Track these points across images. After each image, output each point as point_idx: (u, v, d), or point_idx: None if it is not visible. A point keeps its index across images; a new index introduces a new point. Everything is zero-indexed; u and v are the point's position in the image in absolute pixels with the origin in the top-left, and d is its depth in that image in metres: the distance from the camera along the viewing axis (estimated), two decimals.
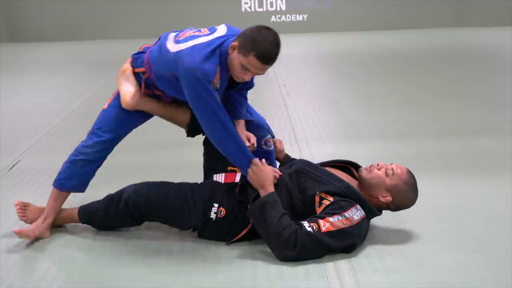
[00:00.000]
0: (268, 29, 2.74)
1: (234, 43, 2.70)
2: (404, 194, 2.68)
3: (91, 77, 7.45)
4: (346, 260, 2.52)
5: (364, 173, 2.71)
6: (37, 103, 6.05)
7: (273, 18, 11.48)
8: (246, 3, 11.41)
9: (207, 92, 2.65)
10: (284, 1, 11.42)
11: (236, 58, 2.67)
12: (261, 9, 11.45)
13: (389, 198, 2.66)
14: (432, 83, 6.38)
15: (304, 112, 5.25)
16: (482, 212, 3.02)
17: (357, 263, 2.50)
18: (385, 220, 2.85)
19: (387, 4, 11.38)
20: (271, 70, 7.20)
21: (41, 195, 3.37)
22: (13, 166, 3.94)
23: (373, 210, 2.65)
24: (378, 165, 2.71)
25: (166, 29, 11.20)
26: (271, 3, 11.43)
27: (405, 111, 5.22)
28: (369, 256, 2.56)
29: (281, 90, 6.15)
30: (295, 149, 4.09)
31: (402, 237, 2.75)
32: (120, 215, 2.80)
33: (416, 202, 2.74)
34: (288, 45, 9.88)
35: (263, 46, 2.63)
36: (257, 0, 11.41)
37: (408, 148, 4.12)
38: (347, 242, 2.54)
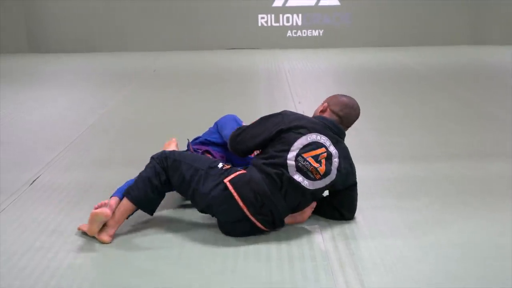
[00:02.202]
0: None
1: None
2: (337, 98, 3.38)
3: (109, 90, 7.57)
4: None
5: None
6: (56, 115, 6.17)
7: (289, 33, 11.58)
8: (262, 17, 11.53)
9: None
10: (300, 16, 11.52)
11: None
12: (277, 24, 11.55)
13: (325, 104, 3.37)
14: (446, 104, 6.41)
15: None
16: (494, 237, 3.07)
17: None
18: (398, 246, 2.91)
19: (404, 20, 11.45)
20: (287, 86, 7.35)
21: (60, 211, 3.47)
22: (33, 181, 4.04)
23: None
24: None
25: (183, 43, 11.48)
26: (288, 18, 11.53)
27: (418, 132, 5.26)
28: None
29: (297, 107, 6.21)
30: None
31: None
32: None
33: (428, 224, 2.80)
34: (304, 60, 9.99)
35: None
36: (273, 15, 11.52)
37: (420, 171, 4.17)
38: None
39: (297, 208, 3.15)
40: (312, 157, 3.09)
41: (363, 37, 11.49)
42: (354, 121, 3.39)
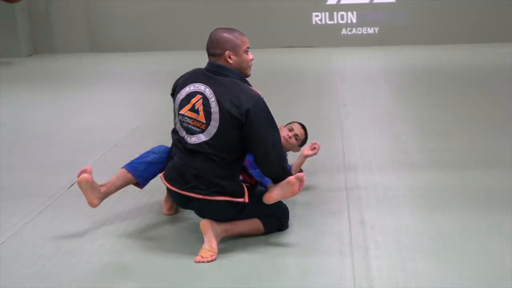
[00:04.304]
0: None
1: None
2: None
3: (160, 90, 7.68)
4: None
5: None
6: (104, 117, 6.33)
7: (343, 31, 11.46)
8: (316, 15, 11.45)
9: None
10: (355, 14, 11.38)
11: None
12: (331, 22, 11.45)
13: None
14: (496, 110, 6.07)
15: (359, 135, 5.25)
16: None
17: None
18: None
19: (461, 17, 11.13)
20: (335, 88, 7.27)
21: (94, 214, 3.57)
22: (72, 184, 4.16)
23: None
24: None
25: None
26: (342, 16, 11.41)
27: (463, 138, 5.08)
28: None
29: (340, 110, 6.16)
30: (341, 178, 4.12)
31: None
32: None
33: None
34: (357, 59, 9.87)
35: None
36: (327, 13, 11.42)
37: (458, 179, 4.05)
38: None
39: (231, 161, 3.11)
40: (190, 110, 3.12)
41: (419, 34, 11.23)
42: (208, 46, 3.23)
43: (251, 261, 2.96)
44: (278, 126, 4.03)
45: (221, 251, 3.05)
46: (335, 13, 11.41)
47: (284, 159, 3.30)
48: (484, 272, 2.78)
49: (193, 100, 3.11)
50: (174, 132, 3.26)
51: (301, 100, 6.92)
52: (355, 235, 3.21)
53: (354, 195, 3.80)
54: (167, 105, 6.90)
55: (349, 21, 11.44)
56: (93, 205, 3.30)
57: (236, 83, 3.13)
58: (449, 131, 5.34)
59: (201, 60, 8.47)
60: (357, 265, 2.87)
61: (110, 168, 4.53)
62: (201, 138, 3.08)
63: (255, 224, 3.20)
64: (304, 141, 4.09)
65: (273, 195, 3.14)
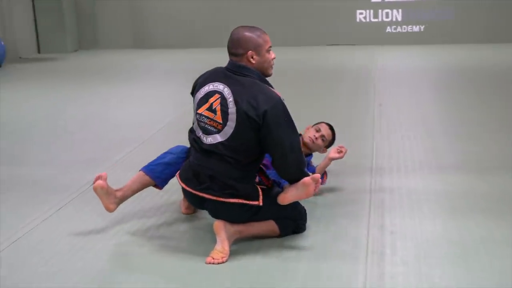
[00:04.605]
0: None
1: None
2: None
3: None
4: None
5: None
6: (137, 113, 6.37)
7: (388, 29, 11.26)
8: (361, 13, 11.28)
9: None
10: (400, 12, 11.15)
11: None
12: (376, 20, 11.26)
13: None
14: None
15: (390, 136, 5.11)
16: None
17: None
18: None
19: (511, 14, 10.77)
20: (373, 87, 7.12)
21: (112, 213, 3.56)
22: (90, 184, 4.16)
23: None
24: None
25: (281, 39, 11.43)
26: (387, 13, 11.20)
27: (501, 142, 4.86)
28: None
29: (375, 110, 6.02)
30: (366, 180, 4.01)
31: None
32: None
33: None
34: (400, 58, 9.67)
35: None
36: (372, 11, 11.23)
37: (488, 184, 3.88)
38: None
39: (247, 164, 3.02)
40: (207, 109, 3.04)
41: (467, 32, 10.94)
42: (230, 46, 3.11)
43: (262, 265, 2.89)
44: (306, 127, 3.97)
45: (234, 252, 2.99)
46: (379, 10, 11.22)
47: (302, 162, 3.16)
48: (507, 283, 2.63)
49: (211, 100, 3.04)
50: (191, 131, 3.21)
51: (336, 98, 6.82)
52: (373, 240, 3.09)
53: (377, 198, 3.68)
54: None
55: (394, 19, 11.24)
56: (110, 210, 3.29)
57: (256, 84, 3.03)
58: (488, 135, 5.11)
59: None
60: (370, 271, 2.76)
61: (135, 165, 4.55)
62: (217, 138, 3.01)
63: (270, 226, 3.13)
64: (331, 142, 3.98)
65: (287, 196, 3.06)
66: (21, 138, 5.53)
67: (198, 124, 3.08)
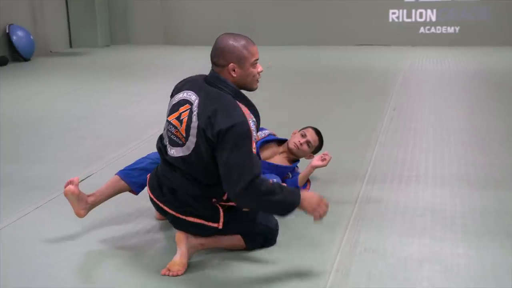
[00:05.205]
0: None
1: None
2: None
3: None
4: None
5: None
6: (147, 110, 6.31)
7: (421, 30, 10.92)
8: (393, 13, 10.97)
9: None
10: (434, 12, 10.80)
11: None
12: (409, 20, 10.93)
13: None
14: None
15: (397, 143, 4.86)
16: None
17: None
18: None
19: None
20: (392, 90, 6.85)
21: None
22: (84, 178, 4.09)
23: None
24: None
25: (312, 39, 11.13)
26: (421, 13, 10.86)
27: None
28: None
29: (386, 115, 5.78)
30: (355, 191, 3.81)
31: None
32: None
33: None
34: (433, 60, 9.33)
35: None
36: (405, 10, 10.91)
37: (493, 201, 3.61)
38: None
39: (211, 183, 2.77)
40: (176, 118, 2.81)
41: (504, 34, 10.50)
42: (212, 55, 2.85)
43: (218, 279, 2.76)
44: (292, 131, 3.81)
45: (194, 264, 2.87)
46: (413, 10, 10.89)
47: (266, 192, 2.64)
48: None
49: (182, 109, 2.82)
50: (161, 138, 3.01)
51: (351, 100, 6.61)
52: (341, 257, 2.93)
53: (361, 211, 3.49)
54: None
55: (428, 19, 10.89)
56: (80, 216, 3.21)
57: (223, 99, 2.74)
58: (503, 144, 4.79)
59: (272, 56, 8.24)
60: None
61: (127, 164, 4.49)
62: (179, 152, 2.79)
63: (236, 240, 2.97)
64: (318, 148, 3.83)
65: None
66: (30, 133, 5.52)
67: (166, 132, 2.90)
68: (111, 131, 5.51)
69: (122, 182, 3.31)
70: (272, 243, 3.06)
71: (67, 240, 3.21)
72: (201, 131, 2.70)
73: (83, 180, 4.03)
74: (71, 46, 11.92)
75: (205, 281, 2.75)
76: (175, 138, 2.81)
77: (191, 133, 2.74)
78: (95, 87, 7.89)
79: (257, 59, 2.84)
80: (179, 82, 3.04)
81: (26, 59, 10.11)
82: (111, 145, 5.03)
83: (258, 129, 2.87)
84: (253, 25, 11.45)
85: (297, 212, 2.74)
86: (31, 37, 10.25)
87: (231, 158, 2.62)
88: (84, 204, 3.19)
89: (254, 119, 2.79)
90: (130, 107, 6.59)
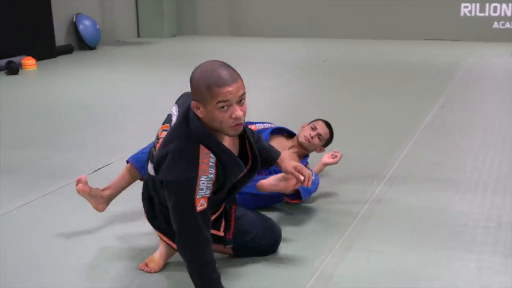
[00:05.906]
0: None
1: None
2: None
3: (261, 78, 7.48)
4: None
5: None
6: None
7: (495, 24, 10.35)
8: (466, 7, 10.45)
9: None
10: (510, 6, 10.20)
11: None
12: (482, 14, 10.39)
13: None
14: None
15: (432, 144, 4.58)
16: None
17: None
18: None
19: None
20: (447, 87, 6.49)
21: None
22: (96, 170, 4.11)
23: None
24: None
25: (379, 32, 10.94)
26: (495, 7, 10.29)
27: None
28: None
29: (430, 113, 5.47)
30: (369, 190, 3.61)
31: None
32: None
33: None
34: (504, 57, 8.79)
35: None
36: (478, 4, 10.37)
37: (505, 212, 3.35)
38: None
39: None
40: (164, 130, 2.57)
41: None
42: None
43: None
44: (301, 125, 3.64)
45: (175, 264, 2.76)
46: (486, 4, 10.34)
47: (190, 260, 2.34)
48: None
49: (164, 127, 2.62)
50: (157, 138, 2.64)
51: (401, 98, 6.32)
52: (329, 262, 2.75)
53: (369, 212, 3.29)
54: (277, 91, 6.69)
55: (502, 14, 10.31)
56: (99, 211, 3.11)
57: (179, 143, 2.32)
58: None
59: (335, 49, 7.98)
60: None
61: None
62: (151, 170, 2.53)
63: (221, 247, 2.75)
64: (329, 141, 3.65)
65: (266, 183, 2.81)
66: (72, 120, 5.61)
67: (158, 139, 2.60)
68: (144, 121, 5.48)
69: (135, 170, 3.20)
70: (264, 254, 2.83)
71: (70, 232, 3.17)
72: (155, 164, 2.43)
73: (94, 171, 4.03)
74: (138, 36, 12.12)
75: (179, 280, 2.65)
76: (154, 152, 2.51)
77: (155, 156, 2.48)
78: (153, 76, 7.94)
79: (226, 101, 2.20)
80: (185, 92, 2.75)
81: (91, 48, 10.36)
82: (141, 135, 5.01)
83: (229, 181, 2.43)
84: (319, 17, 11.25)
85: (296, 208, 2.59)
86: (97, 27, 10.48)
87: (171, 213, 2.33)
88: (100, 199, 3.09)
89: (210, 175, 2.28)
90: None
